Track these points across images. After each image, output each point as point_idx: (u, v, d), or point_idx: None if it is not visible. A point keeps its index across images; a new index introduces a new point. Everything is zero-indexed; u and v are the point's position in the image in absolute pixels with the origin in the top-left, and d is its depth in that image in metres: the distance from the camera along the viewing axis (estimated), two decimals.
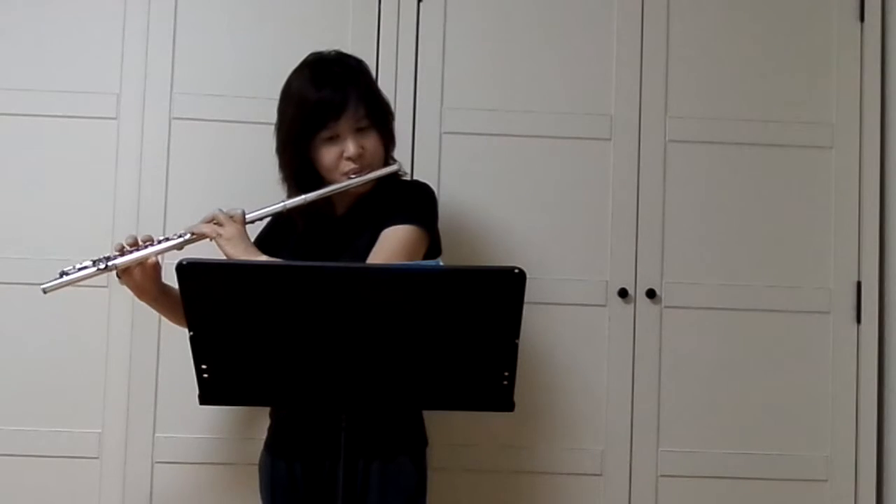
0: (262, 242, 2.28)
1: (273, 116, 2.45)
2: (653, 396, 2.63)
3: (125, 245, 2.16)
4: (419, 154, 2.62)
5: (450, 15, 2.68)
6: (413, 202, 2.26)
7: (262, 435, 2.35)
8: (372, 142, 2.23)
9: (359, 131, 2.22)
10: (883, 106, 2.71)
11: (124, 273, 2.17)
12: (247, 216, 2.20)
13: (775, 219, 2.69)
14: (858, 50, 2.72)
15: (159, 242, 2.18)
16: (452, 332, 1.79)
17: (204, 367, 1.81)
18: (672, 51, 2.70)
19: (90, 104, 2.60)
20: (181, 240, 2.19)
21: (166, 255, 2.24)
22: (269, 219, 2.35)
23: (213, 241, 2.18)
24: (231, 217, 2.19)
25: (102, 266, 2.14)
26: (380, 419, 2.19)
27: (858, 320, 2.67)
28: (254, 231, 2.26)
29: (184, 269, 1.75)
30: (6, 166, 2.60)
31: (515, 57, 2.69)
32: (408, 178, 2.41)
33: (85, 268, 2.15)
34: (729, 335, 2.66)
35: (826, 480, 2.64)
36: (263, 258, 2.15)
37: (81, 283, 2.50)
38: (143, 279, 2.17)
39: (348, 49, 2.51)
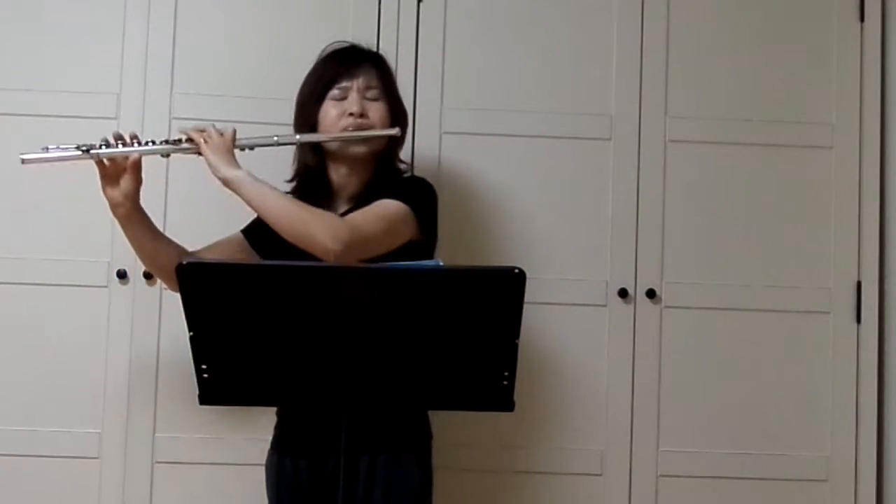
0: (258, 229, 2.29)
1: (272, 116, 2.47)
2: (653, 396, 2.63)
3: (110, 139, 2.17)
4: (419, 154, 2.62)
5: (450, 15, 2.68)
6: (410, 188, 2.28)
7: (263, 435, 2.35)
8: (377, 110, 2.28)
9: (367, 99, 2.27)
10: (883, 106, 2.71)
11: (105, 169, 2.16)
12: (237, 139, 2.22)
13: (775, 219, 2.69)
14: (858, 50, 2.71)
15: (146, 144, 2.19)
16: (452, 332, 1.79)
17: (204, 367, 1.81)
18: (672, 51, 2.70)
19: (90, 104, 2.60)
20: (168, 146, 2.21)
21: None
22: None
23: (198, 153, 2.19)
24: (221, 133, 2.20)
25: (85, 149, 2.15)
26: (384, 416, 2.19)
27: (858, 320, 2.67)
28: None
29: (184, 269, 1.75)
30: (6, 166, 2.59)
31: (515, 57, 2.69)
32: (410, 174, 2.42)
33: (67, 149, 2.16)
34: (729, 335, 2.66)
35: (826, 480, 2.64)
36: (241, 172, 2.16)
37: (80, 284, 2.55)
38: (123, 178, 2.16)
39: None
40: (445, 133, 2.65)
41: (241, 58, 2.64)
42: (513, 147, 2.66)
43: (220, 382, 1.83)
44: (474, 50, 2.68)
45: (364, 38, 2.60)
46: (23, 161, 2.16)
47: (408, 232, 2.22)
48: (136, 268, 2.51)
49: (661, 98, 2.68)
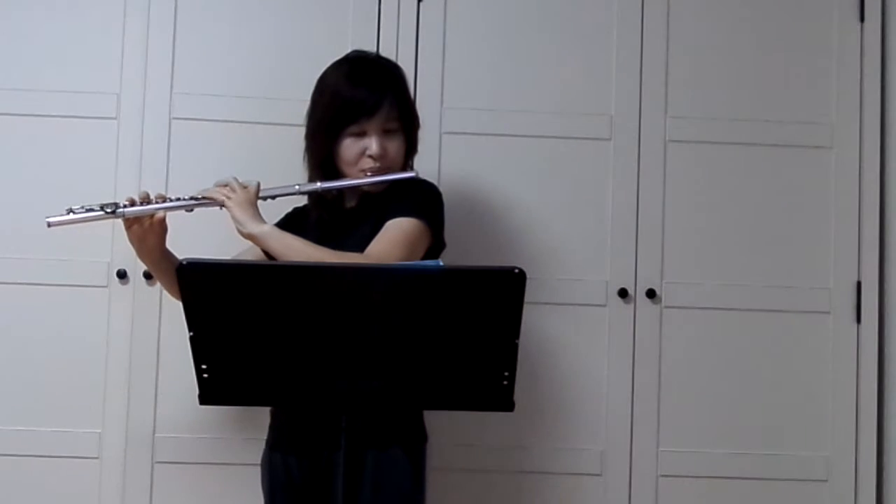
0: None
1: (272, 116, 2.47)
2: (653, 396, 2.63)
3: (136, 199, 2.19)
4: (419, 154, 2.61)
5: (450, 15, 2.68)
6: (418, 198, 2.27)
7: (263, 435, 2.35)
8: (395, 145, 2.27)
9: (385, 133, 2.25)
10: (883, 106, 2.71)
11: (131, 225, 2.18)
12: (260, 191, 2.22)
13: (775, 219, 2.69)
14: (858, 50, 2.71)
15: (170, 201, 2.20)
16: (452, 332, 1.79)
17: (204, 367, 1.81)
18: (672, 51, 2.70)
19: (90, 104, 2.60)
20: (192, 202, 2.21)
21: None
22: (286, 212, 2.38)
23: (223, 208, 2.20)
24: (245, 187, 2.21)
25: (110, 210, 2.16)
26: (380, 413, 2.19)
27: (858, 320, 2.67)
28: (268, 216, 2.26)
29: (184, 269, 1.75)
30: (6, 166, 2.60)
31: (515, 57, 2.69)
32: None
33: (92, 209, 2.17)
34: (729, 335, 2.66)
35: (826, 480, 2.64)
36: (267, 227, 2.17)
37: (80, 284, 2.55)
38: (148, 233, 2.19)
39: (348, 49, 2.51)
40: (445, 133, 2.66)
41: (240, 58, 2.64)
42: (513, 147, 2.67)
43: (220, 382, 1.83)
44: (474, 50, 2.69)
45: (364, 38, 2.60)
46: (49, 224, 2.16)
47: (425, 243, 2.24)
48: (136, 268, 2.51)
49: (661, 98, 2.68)
